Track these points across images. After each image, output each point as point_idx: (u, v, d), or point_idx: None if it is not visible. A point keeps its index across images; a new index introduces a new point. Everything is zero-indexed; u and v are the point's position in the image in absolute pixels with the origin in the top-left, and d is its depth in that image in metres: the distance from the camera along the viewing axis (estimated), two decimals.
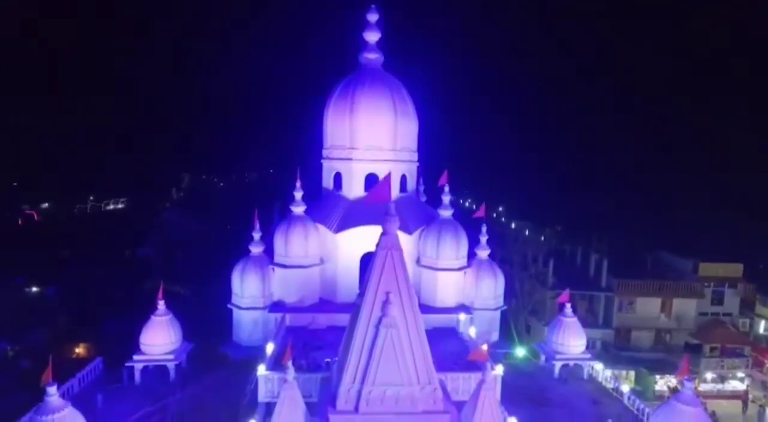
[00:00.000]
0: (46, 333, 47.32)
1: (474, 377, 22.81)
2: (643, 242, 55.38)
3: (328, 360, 23.75)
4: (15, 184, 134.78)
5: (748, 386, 43.63)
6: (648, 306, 48.54)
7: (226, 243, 33.96)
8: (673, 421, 20.07)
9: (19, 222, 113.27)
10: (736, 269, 49.50)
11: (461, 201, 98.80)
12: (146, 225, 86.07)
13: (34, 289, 62.69)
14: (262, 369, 22.48)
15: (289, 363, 19.11)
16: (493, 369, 22.17)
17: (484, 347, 24.00)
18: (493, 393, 19.73)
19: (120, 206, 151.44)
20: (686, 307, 48.60)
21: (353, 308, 20.44)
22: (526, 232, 49.79)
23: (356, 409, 18.49)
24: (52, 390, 18.80)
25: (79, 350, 45.70)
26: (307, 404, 19.75)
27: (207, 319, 35.30)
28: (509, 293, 39.07)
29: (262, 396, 22.53)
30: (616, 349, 46.47)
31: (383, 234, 19.79)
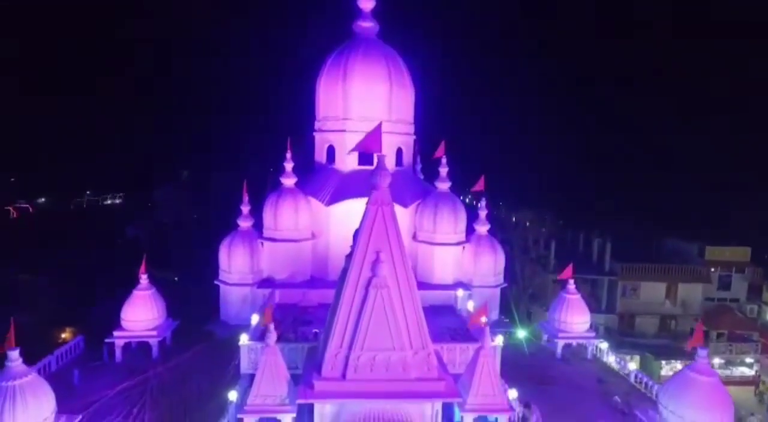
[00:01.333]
0: (33, 317, 45.92)
1: (472, 348, 21.31)
2: (647, 227, 53.85)
3: (317, 330, 22.32)
4: (12, 179, 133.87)
5: (757, 371, 42.18)
6: (652, 292, 47.13)
7: (225, 227, 32.43)
8: (687, 392, 18.66)
9: (14, 214, 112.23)
10: (743, 253, 48.10)
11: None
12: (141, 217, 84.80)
13: (25, 277, 61.60)
14: (244, 339, 21.04)
15: (271, 327, 17.70)
16: (492, 340, 20.76)
17: (483, 319, 22.54)
18: (492, 360, 18.32)
19: (117, 201, 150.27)
20: (692, 293, 47.19)
21: (341, 272, 19.05)
22: (526, 215, 48.28)
23: (343, 376, 17.06)
24: (14, 354, 17.42)
25: (66, 335, 44.30)
26: (294, 377, 18.34)
27: (195, 298, 33.88)
28: (509, 279, 37.69)
29: (245, 367, 21.07)
30: (619, 335, 45.04)
31: (373, 189, 18.38)
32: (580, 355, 30.16)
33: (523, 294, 45.38)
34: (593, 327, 32.21)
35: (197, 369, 24.36)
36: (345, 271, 18.42)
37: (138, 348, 27.98)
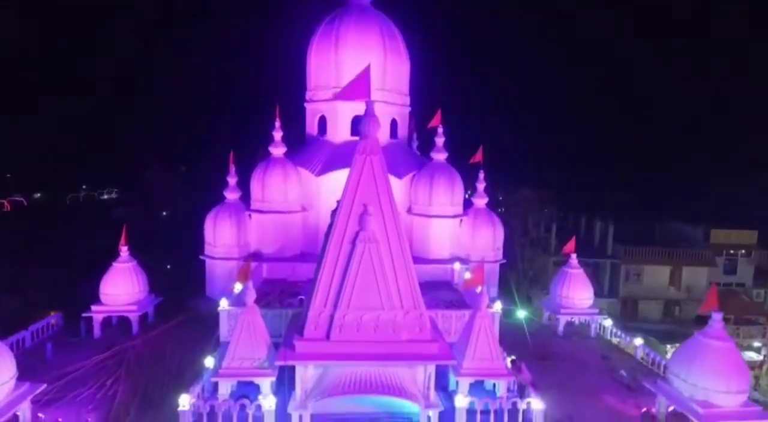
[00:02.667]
0: (18, 302, 44.66)
1: (469, 315, 19.95)
2: (650, 210, 52.49)
3: (302, 297, 20.94)
4: (8, 175, 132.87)
5: (766, 356, 40.80)
6: (656, 276, 45.81)
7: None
8: (700, 358, 17.25)
9: (7, 207, 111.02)
10: (750, 236, 46.75)
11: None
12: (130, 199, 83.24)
13: (13, 267, 60.54)
14: (224, 304, 19.67)
15: (249, 284, 16.33)
16: (490, 306, 19.40)
17: (479, 289, 21.09)
18: (489, 322, 16.92)
19: (114, 196, 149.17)
20: (697, 277, 45.86)
21: (327, 228, 17.71)
22: (526, 195, 46.88)
23: (327, 337, 15.73)
24: None
25: (53, 322, 42.87)
26: (276, 346, 16.93)
27: (181, 277, 32.50)
28: (509, 263, 36.29)
29: (225, 335, 19.70)
30: (622, 321, 43.59)
31: (361, 137, 17.08)
32: (582, 333, 28.79)
33: (523, 278, 43.92)
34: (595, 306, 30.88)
35: (177, 342, 23.03)
36: (330, 226, 17.10)
37: (118, 325, 26.61)
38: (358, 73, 17.95)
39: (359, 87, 17.12)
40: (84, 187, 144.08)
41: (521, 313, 32.34)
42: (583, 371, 23.61)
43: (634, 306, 45.39)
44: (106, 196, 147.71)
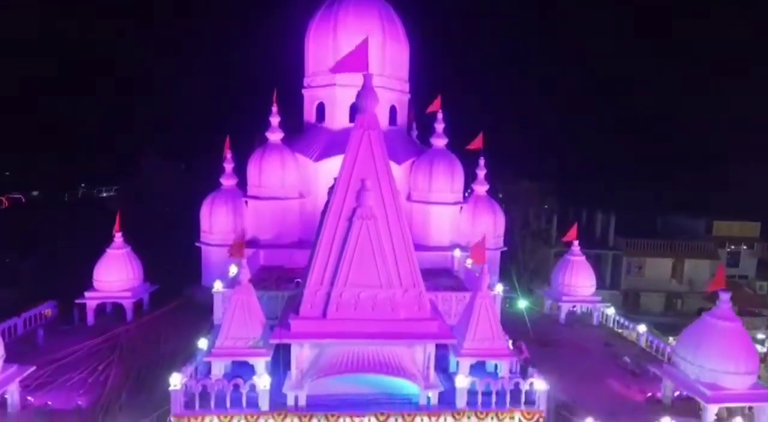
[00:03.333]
0: (15, 294, 44.24)
1: (469, 297, 19.47)
2: (652, 202, 52.00)
3: (298, 280, 20.44)
4: (7, 173, 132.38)
5: None
6: (658, 269, 45.34)
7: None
8: (708, 339, 16.79)
9: (5, 204, 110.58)
10: (752, 228, 46.27)
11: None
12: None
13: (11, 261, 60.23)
14: (218, 286, 19.19)
15: (243, 262, 15.86)
16: (491, 288, 18.93)
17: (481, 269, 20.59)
18: (491, 301, 16.44)
19: (113, 193, 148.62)
20: (699, 270, 45.39)
21: (324, 205, 17.26)
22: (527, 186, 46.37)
23: (324, 315, 15.24)
24: None
25: (47, 311, 42.42)
26: (272, 327, 16.44)
27: (177, 265, 31.93)
28: (509, 254, 35.84)
29: (219, 317, 19.21)
30: (624, 313, 43.14)
31: (359, 112, 16.63)
32: (584, 321, 28.32)
33: (524, 269, 43.42)
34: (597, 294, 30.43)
35: (171, 327, 22.59)
36: (327, 204, 16.64)
37: (112, 312, 26.15)
38: (357, 46, 17.48)
39: (357, 59, 16.67)
40: (83, 184, 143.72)
41: (522, 303, 31.91)
42: (586, 357, 23.16)
43: (635, 299, 44.93)
44: (105, 194, 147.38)
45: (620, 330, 27.65)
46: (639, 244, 44.49)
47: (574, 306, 28.48)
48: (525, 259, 43.68)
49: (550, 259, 43.21)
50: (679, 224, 49.19)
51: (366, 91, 16.33)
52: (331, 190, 16.86)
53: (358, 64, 16.53)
